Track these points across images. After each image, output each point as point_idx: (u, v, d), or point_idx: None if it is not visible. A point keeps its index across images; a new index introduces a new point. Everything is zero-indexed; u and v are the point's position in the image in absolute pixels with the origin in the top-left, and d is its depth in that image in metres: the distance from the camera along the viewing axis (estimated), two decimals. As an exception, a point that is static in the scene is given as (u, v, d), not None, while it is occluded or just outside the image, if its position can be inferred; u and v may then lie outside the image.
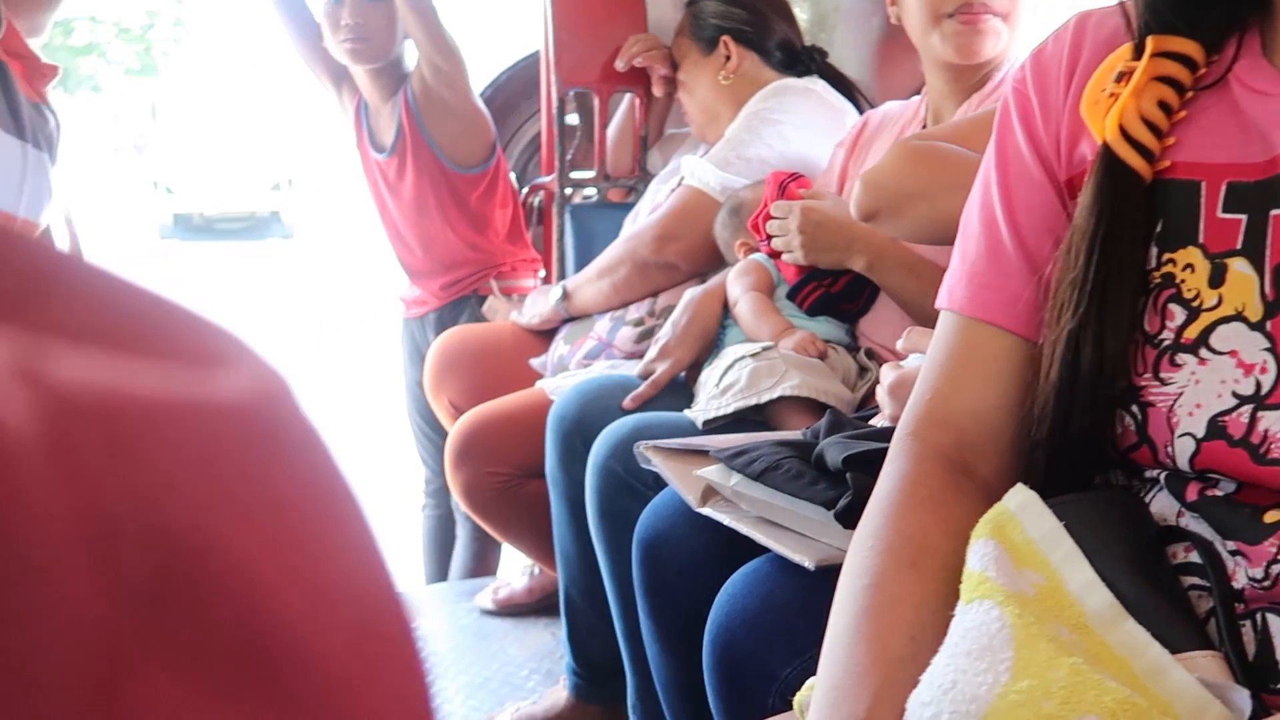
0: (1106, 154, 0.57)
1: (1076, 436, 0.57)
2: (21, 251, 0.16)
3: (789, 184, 1.33)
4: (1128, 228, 0.56)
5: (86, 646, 0.13)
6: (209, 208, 11.45)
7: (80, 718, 0.13)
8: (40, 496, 0.13)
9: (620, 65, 1.84)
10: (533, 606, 1.82)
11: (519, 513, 1.54)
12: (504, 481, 1.51)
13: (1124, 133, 0.56)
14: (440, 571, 2.08)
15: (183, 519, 0.15)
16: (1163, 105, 0.56)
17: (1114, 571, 0.49)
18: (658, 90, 1.82)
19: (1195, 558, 0.52)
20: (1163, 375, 0.54)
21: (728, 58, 1.65)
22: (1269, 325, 0.52)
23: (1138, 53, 0.57)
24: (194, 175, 11.29)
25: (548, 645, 1.72)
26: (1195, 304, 0.54)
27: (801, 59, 1.67)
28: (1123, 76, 0.57)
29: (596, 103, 1.91)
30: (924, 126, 1.30)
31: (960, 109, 1.24)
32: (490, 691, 1.60)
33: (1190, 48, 0.56)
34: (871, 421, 0.92)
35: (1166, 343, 0.54)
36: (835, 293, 1.28)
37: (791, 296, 1.31)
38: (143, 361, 0.15)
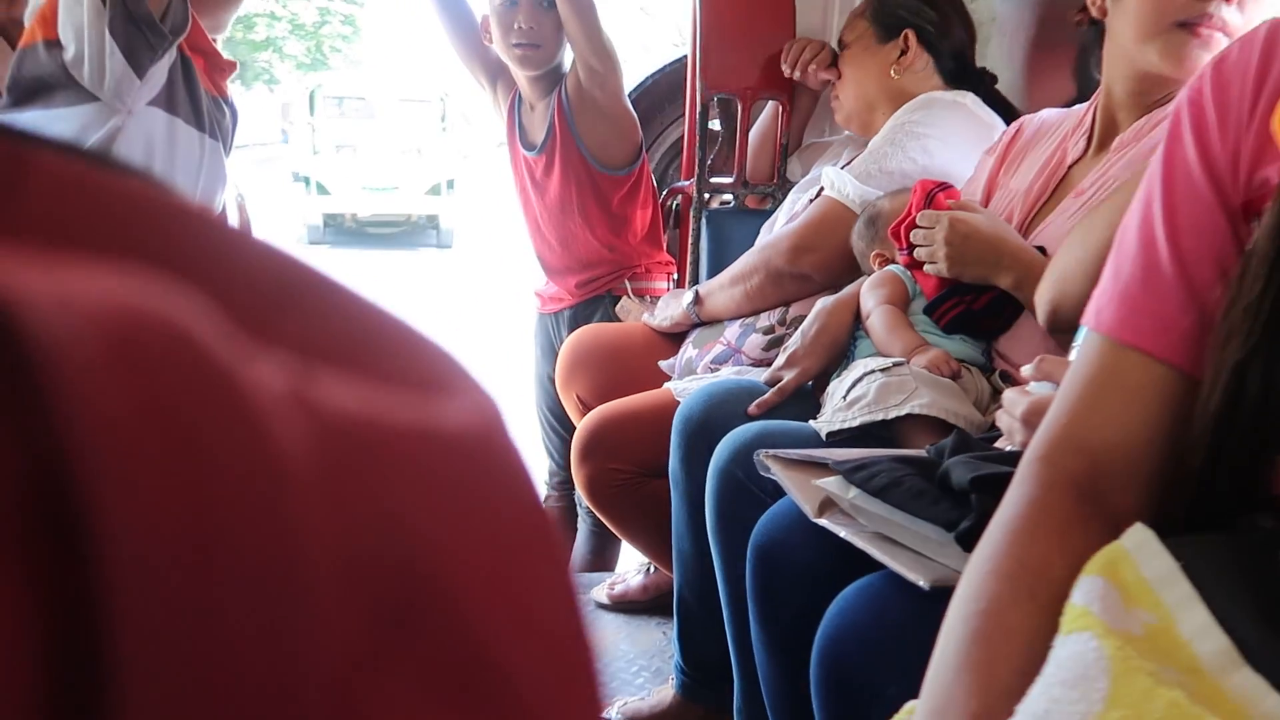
0: None
1: (1227, 472, 0.54)
2: (274, 265, 0.17)
3: (937, 193, 1.28)
4: None
5: (335, 661, 0.14)
6: (362, 209, 10.61)
7: None
8: (310, 519, 0.14)
9: (795, 73, 1.82)
10: (646, 604, 1.83)
11: (639, 510, 1.56)
12: (627, 478, 1.53)
13: None
14: (560, 563, 2.13)
15: (419, 545, 0.16)
16: None
17: (1234, 617, 0.46)
18: (829, 75, 1.76)
19: None
20: None
21: (903, 52, 1.62)
22: None
23: None
24: (348, 174, 10.55)
25: (658, 643, 1.74)
26: None
27: (970, 77, 1.63)
28: None
29: (739, 108, 1.91)
30: (1089, 136, 1.24)
31: (1136, 122, 1.18)
32: (600, 684, 1.63)
33: None
34: (997, 444, 0.90)
35: None
36: (977, 310, 1.23)
37: (930, 311, 1.27)
38: (387, 387, 0.17)
